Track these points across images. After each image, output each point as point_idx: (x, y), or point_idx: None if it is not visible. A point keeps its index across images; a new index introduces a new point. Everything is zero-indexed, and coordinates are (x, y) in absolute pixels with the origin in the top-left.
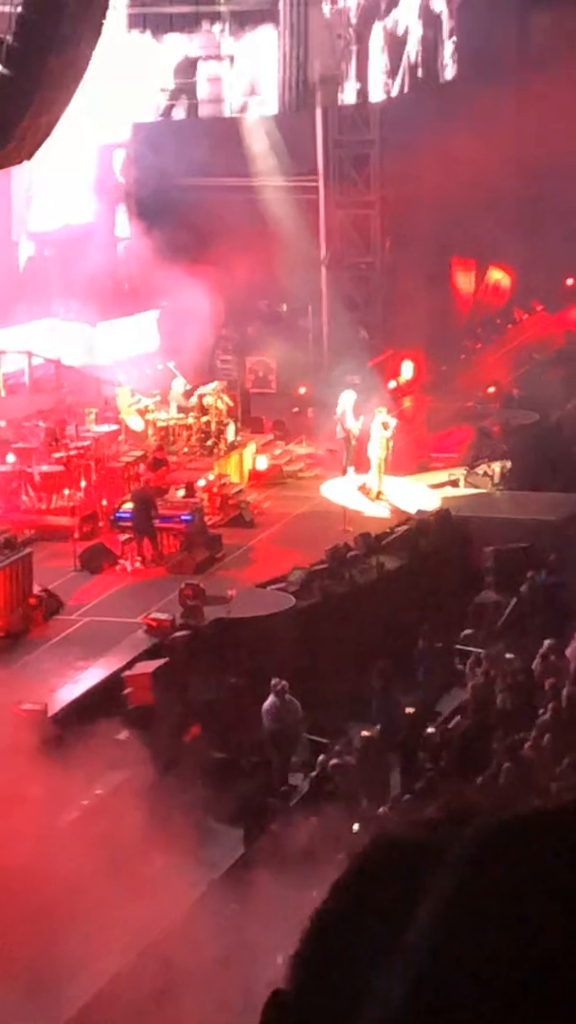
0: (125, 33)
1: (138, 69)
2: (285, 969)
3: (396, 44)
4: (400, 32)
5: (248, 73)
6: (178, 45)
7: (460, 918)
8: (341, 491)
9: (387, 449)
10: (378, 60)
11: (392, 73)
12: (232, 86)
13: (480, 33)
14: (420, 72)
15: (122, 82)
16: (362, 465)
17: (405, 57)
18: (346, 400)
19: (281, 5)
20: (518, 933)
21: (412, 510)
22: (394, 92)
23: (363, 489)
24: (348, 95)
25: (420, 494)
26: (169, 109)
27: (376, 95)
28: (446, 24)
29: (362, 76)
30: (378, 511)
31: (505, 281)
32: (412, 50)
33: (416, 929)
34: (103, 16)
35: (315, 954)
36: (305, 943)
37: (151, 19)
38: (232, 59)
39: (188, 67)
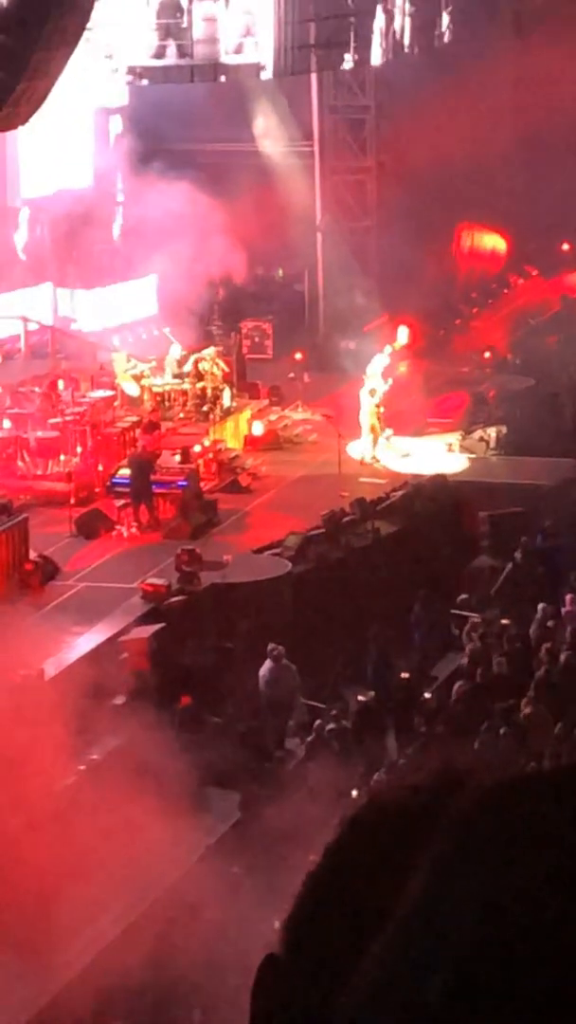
0: None
1: (130, 10)
2: (278, 933)
3: (392, 8)
4: None
5: (243, 14)
6: None
7: (454, 881)
8: (381, 451)
9: (376, 416)
10: (374, 24)
11: (388, 38)
12: (227, 29)
13: None
14: (417, 36)
15: (114, 25)
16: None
17: (401, 21)
18: (377, 363)
19: None
20: (513, 896)
21: (410, 471)
22: (390, 57)
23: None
24: (344, 60)
25: (420, 455)
26: (162, 51)
27: (372, 60)
28: None
29: (359, 41)
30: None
31: (501, 246)
32: (408, 14)
33: (410, 892)
34: None
35: (308, 918)
36: (298, 907)
37: None
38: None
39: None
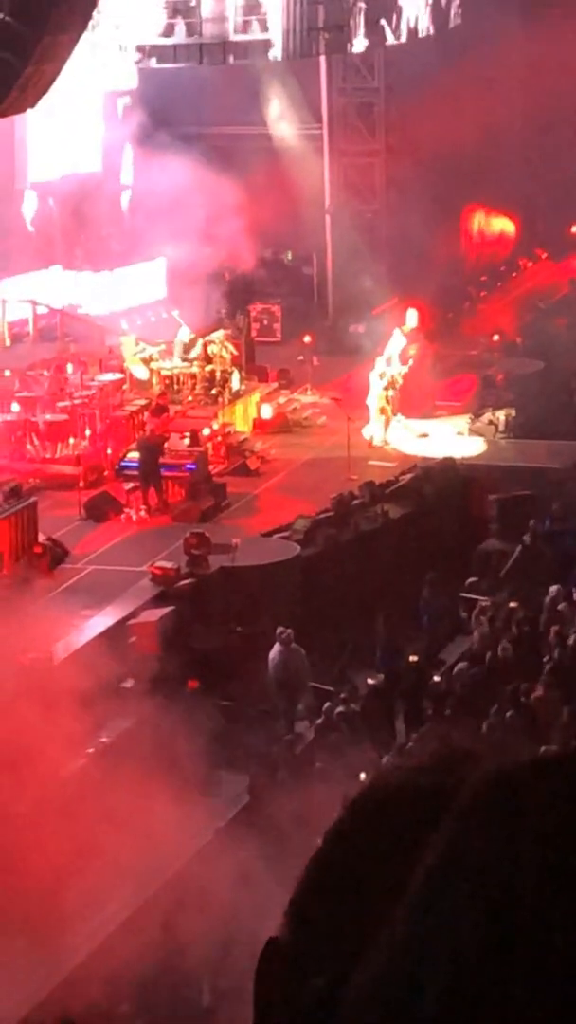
0: None
1: None
2: (282, 918)
3: None
4: None
5: None
6: None
7: (463, 865)
8: (392, 434)
9: (385, 399)
10: (384, 7)
11: (398, 20)
12: (236, 6)
13: None
14: (427, 19)
15: (122, 4)
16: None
17: (411, 4)
18: (395, 345)
19: None
20: (523, 880)
21: (426, 453)
22: (399, 40)
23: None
24: (352, 42)
25: (437, 437)
26: (170, 29)
27: (386, 42)
28: None
29: (367, 23)
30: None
31: (509, 229)
32: None
33: (415, 877)
34: None
35: (311, 902)
36: (300, 891)
37: None
38: None
39: None
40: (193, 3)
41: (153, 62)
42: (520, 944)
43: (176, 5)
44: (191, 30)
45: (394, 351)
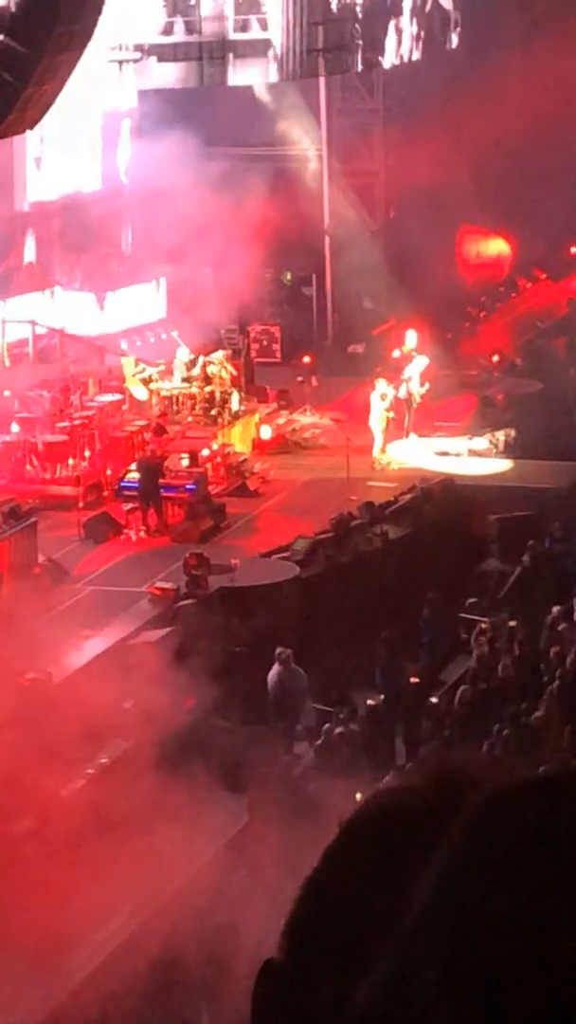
0: None
1: None
2: (279, 938)
3: (401, 11)
4: None
5: None
6: None
7: (465, 885)
8: (407, 453)
9: (386, 420)
10: (383, 28)
11: (397, 41)
12: (235, 5)
13: None
14: (427, 40)
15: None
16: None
17: (409, 24)
18: (418, 364)
19: None
20: (525, 899)
21: (425, 466)
22: (398, 60)
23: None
24: (351, 63)
25: (454, 455)
26: (169, 27)
27: (384, 63)
28: None
29: (366, 45)
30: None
31: (505, 250)
32: (417, 17)
33: (417, 897)
34: None
35: (308, 922)
36: (297, 911)
37: None
38: None
39: None
40: (192, 2)
41: (153, 61)
42: (520, 961)
43: (175, 4)
44: (190, 28)
45: (415, 372)
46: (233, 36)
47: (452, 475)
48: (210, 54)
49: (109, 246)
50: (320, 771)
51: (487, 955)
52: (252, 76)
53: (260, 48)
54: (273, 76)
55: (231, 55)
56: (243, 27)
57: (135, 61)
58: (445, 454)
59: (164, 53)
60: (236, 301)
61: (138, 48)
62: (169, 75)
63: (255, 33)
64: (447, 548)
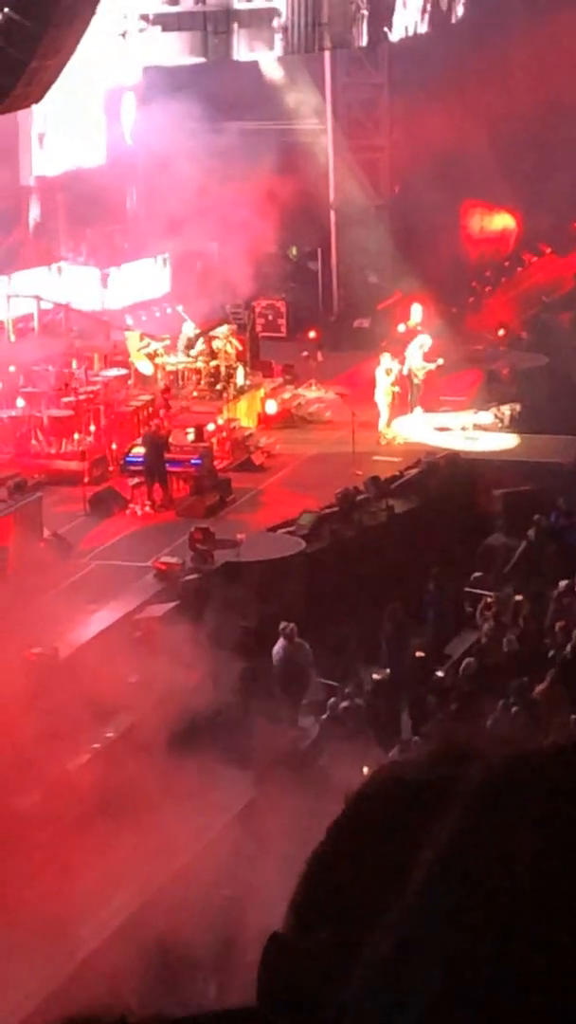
0: None
1: None
2: (286, 912)
3: None
4: None
5: None
6: None
7: (466, 858)
8: (412, 428)
9: (392, 395)
10: (388, 2)
11: (402, 15)
12: None
13: None
14: (432, 14)
15: None
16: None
17: None
18: (420, 342)
19: None
20: (526, 871)
21: (430, 441)
22: (404, 34)
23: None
24: (356, 37)
25: (437, 430)
26: None
27: (386, 37)
28: None
29: (371, 18)
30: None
31: (511, 225)
32: None
33: (420, 870)
34: None
35: (314, 897)
36: (304, 885)
37: None
38: None
39: None
40: None
41: (158, 30)
42: (520, 935)
43: None
44: None
45: (414, 350)
46: (238, 5)
47: (457, 450)
48: (215, 24)
49: (114, 221)
50: (326, 745)
51: (486, 929)
52: (257, 48)
53: (265, 18)
54: (278, 50)
55: (236, 25)
56: None
57: (140, 31)
58: (449, 429)
59: (169, 23)
60: (241, 276)
61: (143, 18)
62: (174, 45)
63: (260, 2)
64: (452, 523)
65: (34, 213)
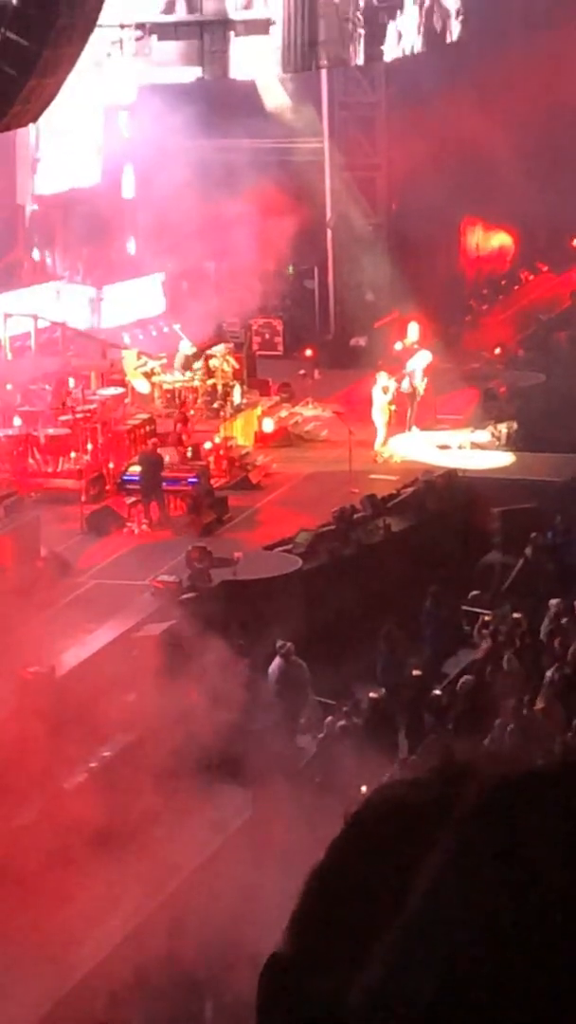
0: None
1: None
2: (284, 931)
3: (402, 3)
4: None
5: None
6: None
7: (464, 877)
8: (409, 447)
9: (389, 413)
10: (385, 20)
11: (398, 34)
12: None
13: None
14: (428, 33)
15: None
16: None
17: (411, 17)
18: (421, 359)
19: None
20: (523, 890)
21: (427, 459)
22: (400, 53)
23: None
24: (352, 55)
25: (434, 448)
26: (171, 7)
27: (382, 56)
28: None
29: (367, 37)
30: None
31: (508, 243)
32: (418, 10)
33: (419, 889)
34: None
35: (313, 915)
36: (303, 904)
37: None
38: None
39: None
40: None
41: (154, 40)
42: (519, 954)
43: None
44: (192, 7)
45: (418, 365)
46: (234, 15)
47: (455, 468)
48: (211, 33)
49: (111, 239)
50: (323, 764)
51: (485, 948)
52: (253, 63)
53: (261, 27)
54: (275, 68)
55: (232, 34)
56: (246, 4)
57: (136, 40)
58: (447, 447)
59: (164, 32)
60: (238, 294)
61: (139, 27)
62: (170, 55)
63: (256, 11)
64: (449, 541)
65: (31, 232)
